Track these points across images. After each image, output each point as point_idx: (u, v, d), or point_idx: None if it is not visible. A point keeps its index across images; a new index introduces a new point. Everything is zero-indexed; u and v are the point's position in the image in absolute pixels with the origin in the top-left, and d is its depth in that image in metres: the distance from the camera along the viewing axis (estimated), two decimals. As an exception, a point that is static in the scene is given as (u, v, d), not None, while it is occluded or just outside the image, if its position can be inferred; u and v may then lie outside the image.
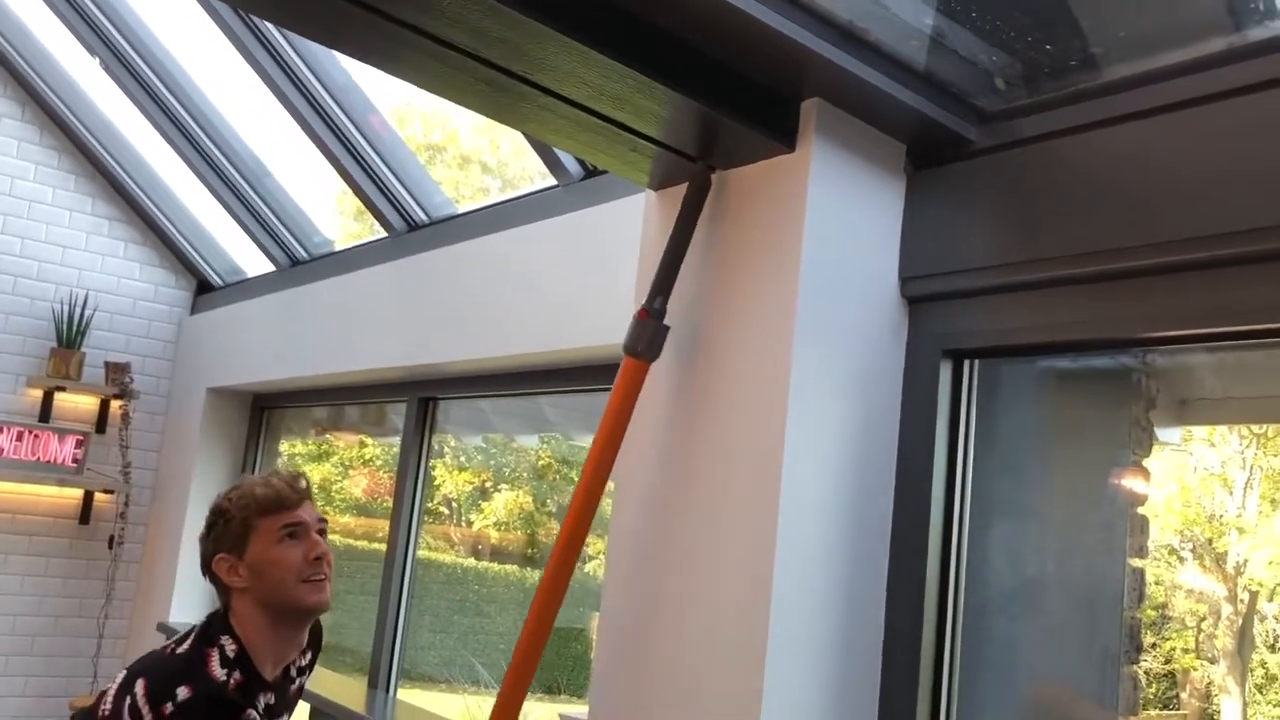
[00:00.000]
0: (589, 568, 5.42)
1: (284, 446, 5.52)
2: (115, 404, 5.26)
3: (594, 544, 5.29)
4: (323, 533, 2.03)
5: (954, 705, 1.65)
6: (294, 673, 2.09)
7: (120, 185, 5.31)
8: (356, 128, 3.80)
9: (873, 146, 1.74)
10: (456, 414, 4.31)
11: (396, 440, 4.18)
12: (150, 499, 5.40)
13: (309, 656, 2.16)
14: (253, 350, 4.83)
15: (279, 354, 4.56)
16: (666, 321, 1.79)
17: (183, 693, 1.80)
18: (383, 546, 4.02)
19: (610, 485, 1.84)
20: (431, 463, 4.10)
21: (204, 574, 2.04)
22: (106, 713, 1.88)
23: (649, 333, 1.77)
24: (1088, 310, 1.56)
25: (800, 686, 1.61)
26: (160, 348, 5.49)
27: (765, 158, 1.71)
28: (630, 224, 2.62)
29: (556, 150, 3.05)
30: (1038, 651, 1.88)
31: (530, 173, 4.77)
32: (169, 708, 1.79)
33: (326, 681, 3.85)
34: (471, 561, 8.05)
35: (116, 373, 5.24)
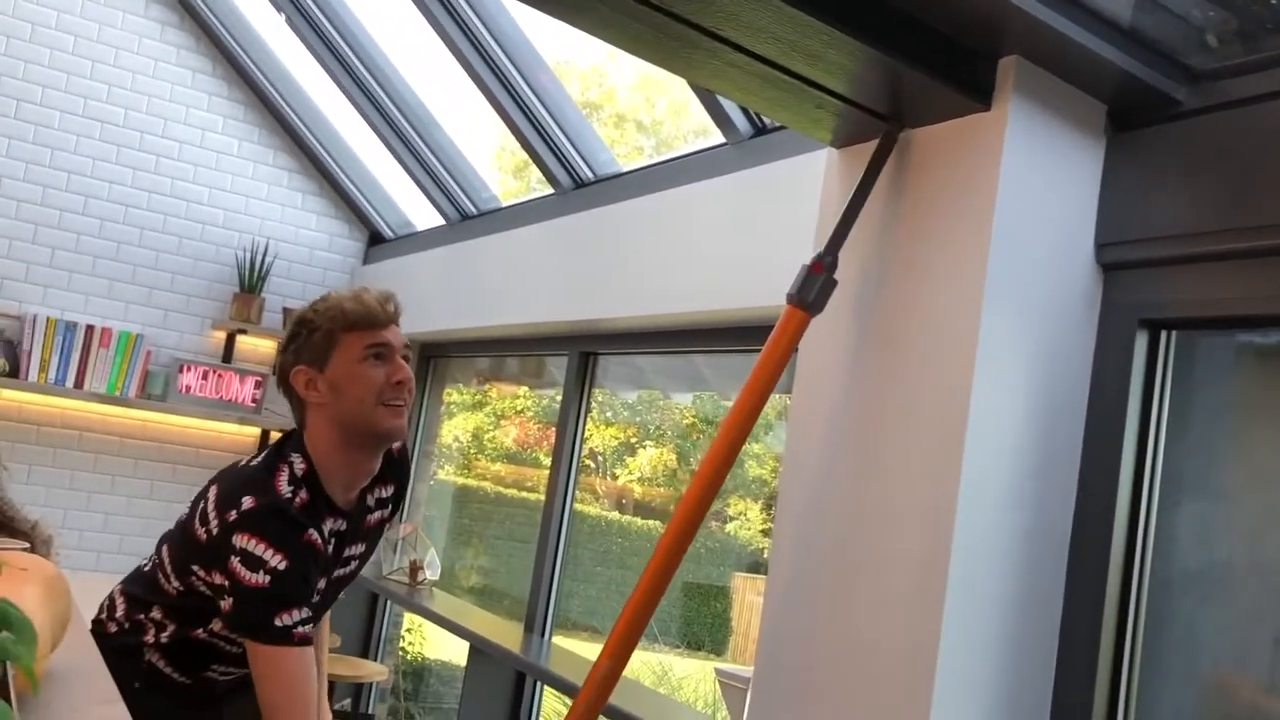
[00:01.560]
0: (730, 528, 5.44)
1: (445, 395, 5.70)
2: (291, 348, 5.51)
3: (735, 504, 5.30)
4: (407, 359, 1.93)
5: (1134, 683, 1.60)
6: (371, 502, 2.02)
7: (300, 138, 5.54)
8: (526, 82, 3.86)
9: (1072, 106, 1.67)
10: (615, 370, 4.36)
11: (552, 392, 4.26)
12: (321, 440, 5.65)
13: (391, 489, 2.07)
14: (421, 300, 4.99)
15: (446, 305, 4.70)
16: (837, 277, 1.75)
17: (247, 502, 1.77)
18: (530, 495, 4.12)
19: (762, 448, 1.83)
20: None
21: (279, 387, 1.96)
22: (184, 517, 1.91)
23: (819, 285, 1.73)
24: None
25: (975, 653, 1.58)
26: (333, 295, 5.72)
27: (959, 116, 1.66)
28: (799, 184, 2.59)
29: (725, 107, 3.04)
30: (1223, 638, 1.79)
31: (686, 132, 4.76)
32: (233, 515, 1.76)
33: (484, 623, 3.99)
34: (615, 515, 8.18)
35: (293, 318, 5.48)
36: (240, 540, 1.76)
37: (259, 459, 1.91)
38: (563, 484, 3.99)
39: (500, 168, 5.97)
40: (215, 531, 1.80)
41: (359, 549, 2.04)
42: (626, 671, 1.89)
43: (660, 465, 8.36)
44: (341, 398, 1.88)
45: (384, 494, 2.06)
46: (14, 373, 4.94)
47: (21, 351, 4.96)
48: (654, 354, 3.97)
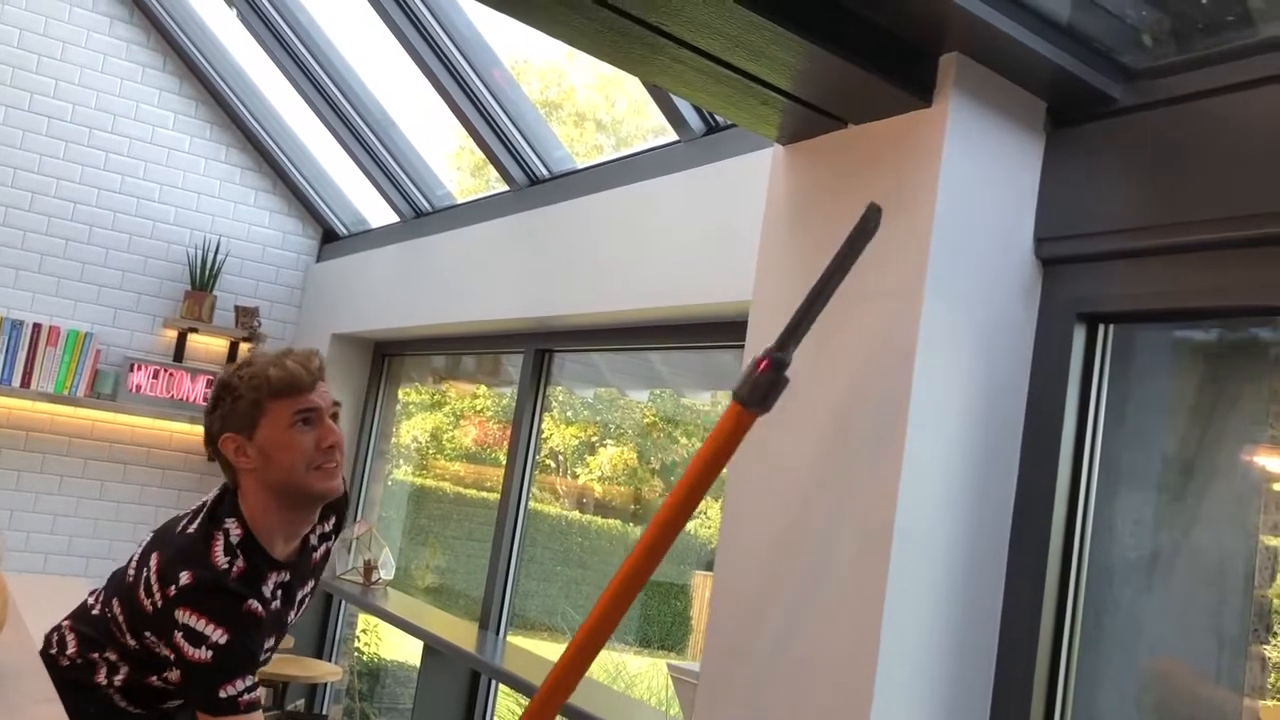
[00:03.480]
0: (691, 526, 5.46)
1: (402, 394, 5.68)
2: (244, 346, 5.47)
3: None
4: (335, 416, 1.94)
5: (1073, 669, 1.63)
6: (315, 540, 2.03)
7: (252, 135, 5.49)
8: (480, 80, 3.85)
9: (1012, 103, 1.70)
10: (571, 368, 4.37)
11: (509, 390, 4.26)
12: (275, 439, 5.60)
13: (332, 521, 2.09)
14: (375, 298, 4.96)
15: (400, 302, 4.68)
16: (792, 373, 1.53)
17: (184, 577, 1.78)
18: (490, 495, 4.12)
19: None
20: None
21: (207, 448, 1.95)
22: (130, 579, 1.90)
23: (765, 385, 1.50)
24: (1233, 276, 1.51)
25: (915, 646, 1.61)
26: (287, 294, 5.68)
27: (901, 112, 1.68)
28: (750, 180, 2.61)
29: (679, 106, 3.05)
30: (1161, 625, 1.83)
31: (644, 131, 4.77)
32: (172, 590, 1.78)
33: (439, 622, 3.98)
34: (576, 514, 8.18)
35: (246, 316, 5.44)
36: (182, 615, 1.78)
37: (195, 524, 1.90)
38: (518, 482, 3.98)
39: (459, 167, 5.94)
40: (160, 604, 1.82)
41: (309, 587, 2.07)
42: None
43: (621, 464, 8.36)
44: (271, 464, 1.88)
45: (326, 528, 2.08)
46: (-42, 372, 4.85)
47: (-34, 350, 4.88)
48: (609, 350, 3.97)
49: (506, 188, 4.10)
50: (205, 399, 5.18)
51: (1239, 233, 1.48)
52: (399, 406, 5.70)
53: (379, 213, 5.24)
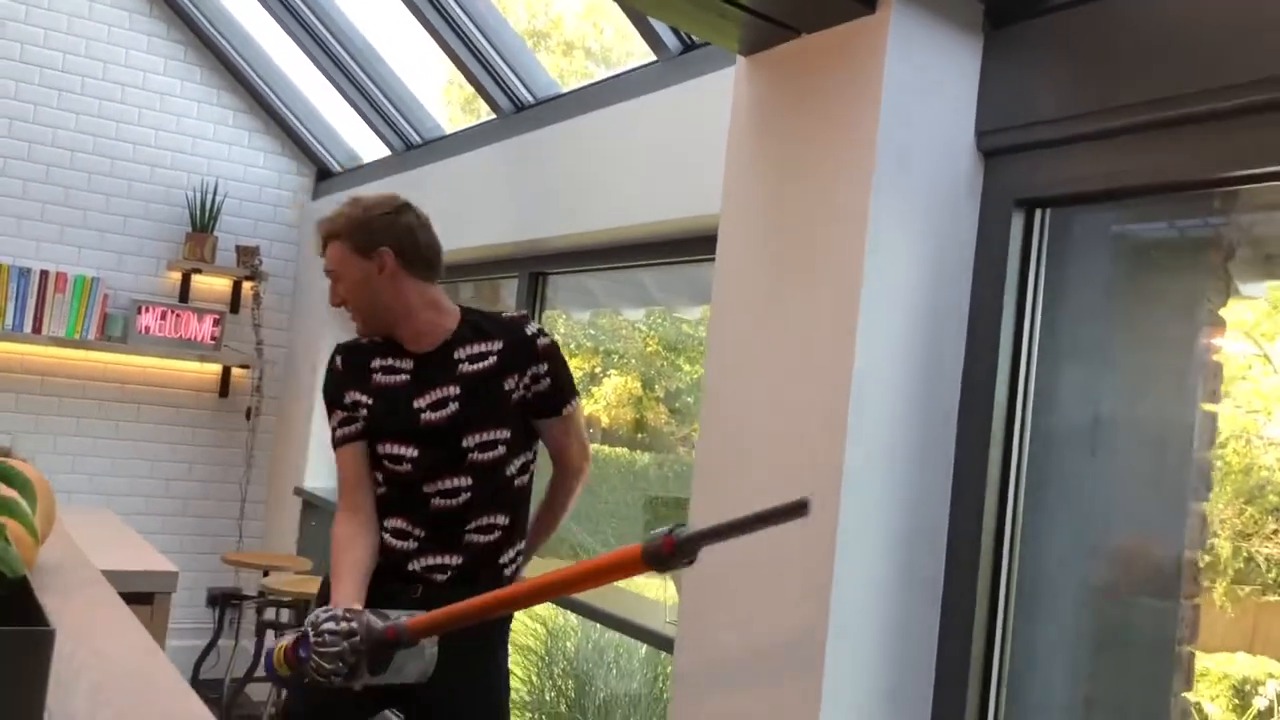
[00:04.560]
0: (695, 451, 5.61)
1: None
2: (246, 285, 5.61)
3: (699, 428, 5.48)
4: (335, 277, 2.36)
5: (1018, 526, 1.79)
6: (461, 356, 2.33)
7: (243, 77, 5.57)
8: (463, 9, 3.93)
9: (950, 7, 1.81)
10: (565, 293, 4.50)
11: (508, 315, 4.39)
12: (283, 373, 5.78)
13: (490, 346, 2.34)
14: (371, 232, 5.07)
15: (396, 234, 4.79)
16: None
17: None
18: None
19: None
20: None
21: None
22: None
23: (665, 560, 1.59)
24: (1154, 158, 1.64)
25: (872, 510, 1.77)
26: (285, 231, 5.81)
27: (847, 20, 1.80)
28: (725, 96, 2.72)
29: (656, 27, 3.15)
30: (1104, 487, 1.99)
31: (633, 55, 4.85)
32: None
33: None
34: (585, 444, 8.35)
35: (246, 255, 5.57)
36: None
37: None
38: (518, 401, 4.13)
39: (450, 101, 6.01)
40: None
41: (452, 390, 2.30)
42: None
43: (625, 393, 8.51)
44: None
45: (475, 350, 2.34)
46: (-28, 320, 5.00)
47: (-22, 299, 5.02)
48: (601, 270, 4.10)
49: (494, 116, 4.20)
50: (212, 338, 5.35)
51: (1158, 114, 1.61)
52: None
53: (371, 148, 5.34)
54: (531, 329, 2.39)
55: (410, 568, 2.26)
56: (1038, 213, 1.79)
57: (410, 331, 2.36)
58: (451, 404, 2.30)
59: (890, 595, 1.81)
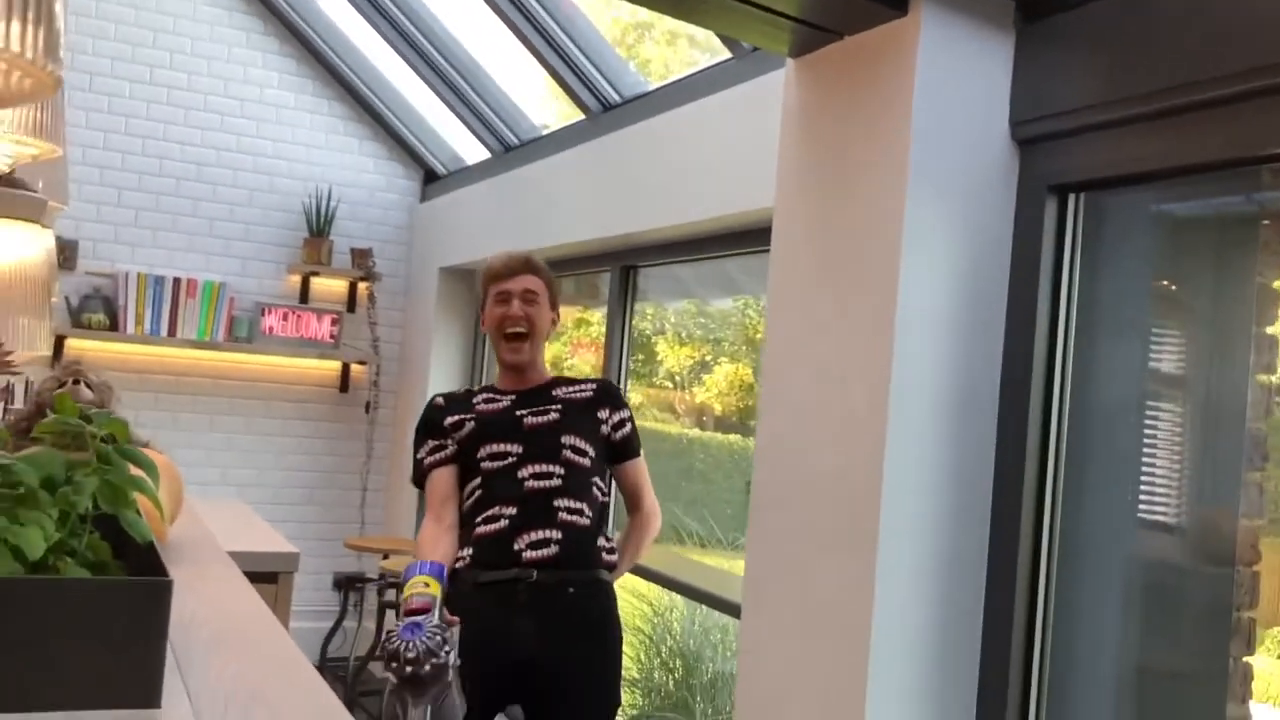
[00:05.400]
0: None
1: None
2: (362, 286, 5.92)
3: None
4: (529, 299, 2.63)
5: (1059, 495, 1.87)
6: (559, 393, 2.66)
7: (351, 87, 5.86)
8: (548, 12, 4.10)
9: (981, 6, 1.90)
10: (657, 283, 4.64)
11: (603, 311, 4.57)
12: (398, 369, 6.07)
13: (585, 390, 2.70)
14: (475, 231, 5.31)
15: (496, 233, 5.02)
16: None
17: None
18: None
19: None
20: (653, 338, 4.44)
21: None
22: None
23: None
24: (1188, 138, 1.69)
25: (917, 474, 1.87)
26: (396, 233, 6.10)
27: (883, 22, 1.90)
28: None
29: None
30: (1152, 461, 2.05)
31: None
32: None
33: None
34: (696, 431, 8.44)
35: (360, 258, 5.87)
36: None
37: None
38: (613, 390, 4.29)
39: (556, 95, 6.19)
40: None
41: (553, 408, 2.63)
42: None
43: (736, 380, 8.62)
44: (489, 331, 2.70)
45: (573, 388, 2.72)
46: (114, 326, 5.41)
47: (118, 306, 5.43)
48: (688, 261, 4.24)
49: (582, 116, 4.37)
50: (331, 336, 5.67)
51: (1186, 98, 1.67)
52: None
53: (473, 150, 5.57)
54: (615, 385, 2.82)
55: (515, 547, 2.45)
56: (1071, 197, 1.86)
57: (532, 371, 2.69)
58: (553, 413, 2.61)
59: (935, 564, 1.91)
